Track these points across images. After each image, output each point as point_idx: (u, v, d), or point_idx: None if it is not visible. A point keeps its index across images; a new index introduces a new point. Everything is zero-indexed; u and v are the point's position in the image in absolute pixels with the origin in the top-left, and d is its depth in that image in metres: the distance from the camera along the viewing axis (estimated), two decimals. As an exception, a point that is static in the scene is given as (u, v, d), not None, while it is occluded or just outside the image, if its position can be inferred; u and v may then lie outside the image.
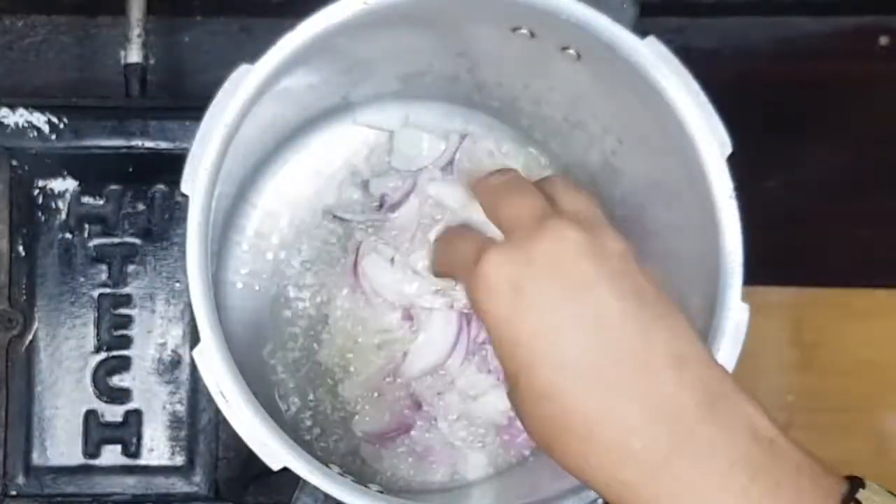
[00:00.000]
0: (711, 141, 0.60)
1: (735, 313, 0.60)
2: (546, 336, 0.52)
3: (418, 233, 0.72)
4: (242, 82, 0.59)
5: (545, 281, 0.53)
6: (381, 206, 0.73)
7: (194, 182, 0.58)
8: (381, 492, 0.62)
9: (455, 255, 0.62)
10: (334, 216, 0.73)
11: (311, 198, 0.74)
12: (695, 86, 0.60)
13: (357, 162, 0.74)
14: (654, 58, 0.60)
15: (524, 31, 0.63)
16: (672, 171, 0.64)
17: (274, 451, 0.58)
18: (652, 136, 0.64)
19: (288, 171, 0.74)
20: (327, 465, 0.61)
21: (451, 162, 0.73)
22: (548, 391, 0.52)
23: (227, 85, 0.59)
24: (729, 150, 0.60)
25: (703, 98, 0.60)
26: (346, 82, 0.71)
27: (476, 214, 0.72)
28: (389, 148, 0.74)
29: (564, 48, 0.63)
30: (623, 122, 0.67)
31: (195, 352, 0.58)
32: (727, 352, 0.59)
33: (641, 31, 0.61)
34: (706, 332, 0.60)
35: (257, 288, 0.73)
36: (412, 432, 0.72)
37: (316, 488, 0.59)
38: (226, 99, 0.59)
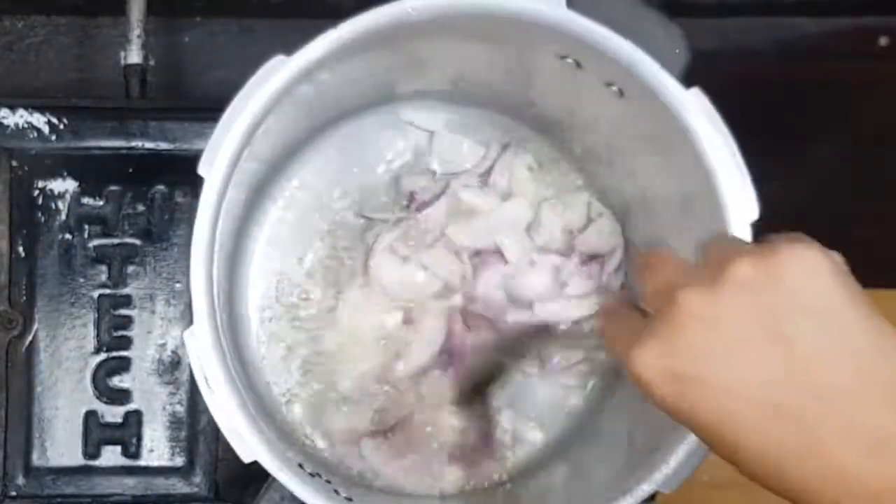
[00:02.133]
0: (741, 204, 0.59)
1: None
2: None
3: (441, 235, 0.72)
4: (274, 73, 0.59)
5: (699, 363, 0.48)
6: (409, 203, 0.73)
7: (212, 165, 0.58)
8: (350, 499, 0.62)
9: (611, 340, 0.56)
10: (361, 215, 0.73)
11: (338, 189, 0.73)
12: (733, 145, 0.59)
13: (392, 157, 0.74)
14: (695, 110, 0.59)
15: (570, 60, 0.62)
16: (696, 224, 0.63)
17: (247, 443, 0.58)
18: (683, 188, 0.63)
19: (320, 160, 0.73)
20: (312, 463, 0.61)
21: (489, 171, 0.72)
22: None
23: (259, 73, 0.59)
24: (756, 215, 0.59)
25: (739, 159, 0.59)
26: (392, 80, 0.70)
27: (505, 227, 0.72)
28: (429, 148, 0.73)
29: (609, 84, 0.62)
30: (658, 164, 0.66)
31: (186, 333, 0.58)
32: None
33: (689, 80, 0.60)
34: None
35: (272, 279, 0.73)
36: (398, 434, 0.72)
37: (283, 486, 0.59)
38: (255, 87, 0.59)
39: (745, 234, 0.60)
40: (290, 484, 0.58)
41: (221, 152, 0.58)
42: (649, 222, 0.70)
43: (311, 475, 0.62)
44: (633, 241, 0.72)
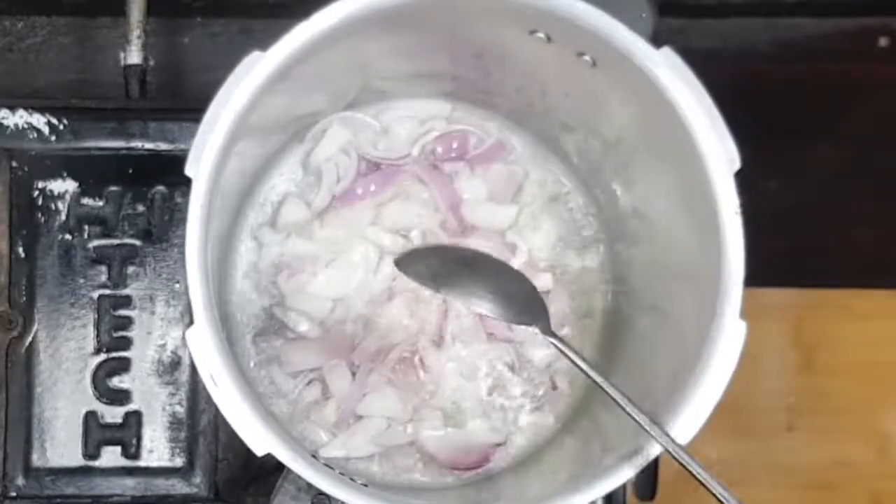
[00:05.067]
0: (721, 156, 0.60)
1: (731, 329, 0.59)
2: None
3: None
4: (251, 69, 0.59)
5: None
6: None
7: (198, 165, 0.58)
8: (365, 485, 0.62)
9: None
10: None
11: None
12: (707, 99, 0.60)
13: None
14: (667, 69, 0.59)
15: (541, 34, 0.62)
16: (680, 183, 0.63)
17: (259, 435, 0.58)
18: (663, 147, 0.64)
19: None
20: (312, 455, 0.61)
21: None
22: None
23: (237, 70, 0.59)
24: (737, 165, 0.60)
25: (714, 112, 0.60)
26: (355, 80, 0.70)
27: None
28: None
29: (580, 54, 0.63)
30: (636, 131, 0.66)
31: (188, 333, 0.58)
32: (720, 370, 0.59)
33: (659, 41, 0.60)
34: (700, 349, 0.60)
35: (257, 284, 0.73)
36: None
37: (299, 476, 0.58)
38: (234, 85, 0.59)
39: (730, 187, 0.60)
40: (306, 473, 0.58)
41: (207, 150, 0.58)
42: (631, 197, 0.70)
43: (326, 465, 0.62)
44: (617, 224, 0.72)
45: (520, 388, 0.72)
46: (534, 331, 0.63)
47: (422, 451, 0.71)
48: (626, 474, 0.60)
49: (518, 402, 0.72)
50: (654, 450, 0.59)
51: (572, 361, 0.61)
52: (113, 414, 0.73)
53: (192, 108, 0.64)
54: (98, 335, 0.73)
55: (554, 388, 0.73)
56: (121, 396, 0.73)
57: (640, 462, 0.60)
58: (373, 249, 0.72)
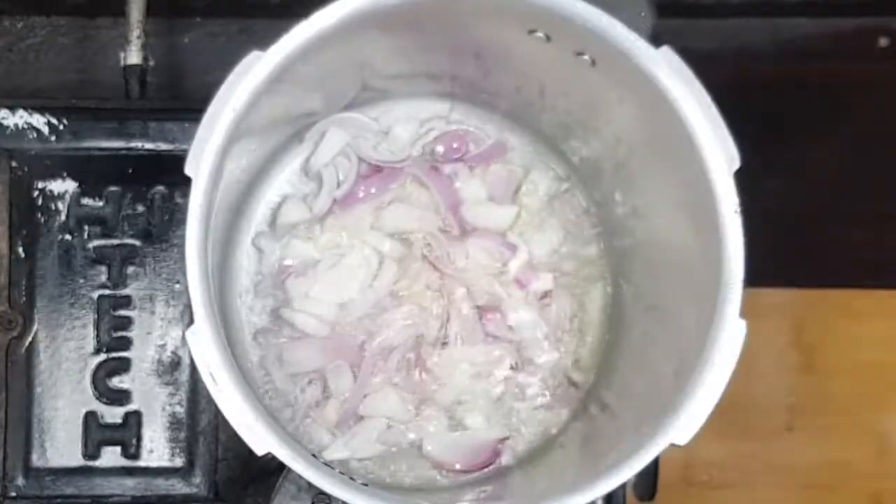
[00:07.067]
0: (720, 155, 0.60)
1: (731, 329, 0.59)
2: None
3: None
4: (252, 68, 0.59)
5: None
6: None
7: (198, 164, 0.59)
8: (365, 484, 0.62)
9: None
10: None
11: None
12: (706, 98, 0.60)
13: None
14: (667, 68, 0.60)
15: (540, 34, 0.63)
16: (680, 182, 0.63)
17: (259, 435, 0.58)
18: (662, 146, 0.64)
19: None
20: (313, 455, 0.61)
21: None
22: None
23: (237, 69, 0.59)
24: (737, 164, 0.60)
25: (713, 111, 0.60)
26: (355, 79, 0.71)
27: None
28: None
29: (579, 54, 0.63)
30: (635, 130, 0.66)
31: (188, 332, 0.58)
32: (720, 369, 0.59)
33: (659, 41, 0.60)
34: (700, 349, 0.60)
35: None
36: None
37: (299, 476, 0.59)
38: (233, 85, 0.59)
39: (730, 187, 0.60)
40: (307, 473, 0.58)
41: (206, 149, 0.58)
42: (630, 196, 0.70)
43: (326, 464, 0.62)
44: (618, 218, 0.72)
45: (532, 387, 0.73)
46: None
47: (426, 453, 0.71)
48: (626, 474, 0.60)
49: (529, 402, 0.73)
50: (655, 449, 0.59)
51: None
52: (113, 414, 0.73)
53: (192, 108, 0.64)
54: (98, 335, 0.73)
55: (572, 384, 0.73)
56: (121, 396, 0.73)
57: (641, 462, 0.60)
58: (374, 254, 0.72)
